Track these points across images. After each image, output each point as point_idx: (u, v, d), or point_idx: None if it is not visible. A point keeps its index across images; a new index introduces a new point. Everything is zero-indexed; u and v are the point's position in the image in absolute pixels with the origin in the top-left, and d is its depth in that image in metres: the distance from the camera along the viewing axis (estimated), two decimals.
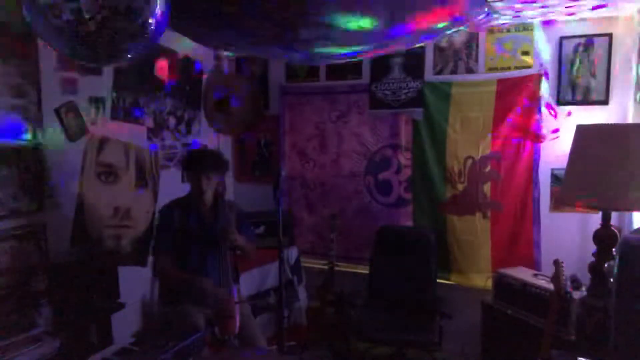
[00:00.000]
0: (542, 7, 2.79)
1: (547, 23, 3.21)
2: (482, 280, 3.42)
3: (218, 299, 2.49)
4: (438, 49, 3.53)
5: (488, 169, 3.43)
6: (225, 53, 4.05)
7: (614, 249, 2.22)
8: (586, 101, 3.16)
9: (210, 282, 2.55)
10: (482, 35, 3.40)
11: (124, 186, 3.11)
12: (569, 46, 3.18)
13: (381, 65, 3.71)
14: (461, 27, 2.82)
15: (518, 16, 3.05)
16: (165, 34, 1.89)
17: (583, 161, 2.24)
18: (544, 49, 3.24)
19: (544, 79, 3.22)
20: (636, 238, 1.98)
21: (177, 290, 2.64)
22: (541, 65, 3.24)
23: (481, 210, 3.45)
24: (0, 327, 2.28)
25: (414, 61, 3.61)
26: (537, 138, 3.26)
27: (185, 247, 2.66)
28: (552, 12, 2.97)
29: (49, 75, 2.57)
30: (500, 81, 3.33)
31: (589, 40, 3.12)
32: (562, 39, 3.19)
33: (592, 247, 2.31)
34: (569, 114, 3.19)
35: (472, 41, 3.43)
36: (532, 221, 3.31)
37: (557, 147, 3.18)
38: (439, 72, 3.56)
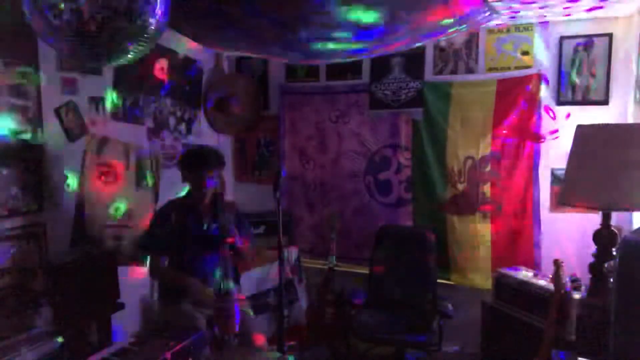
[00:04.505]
0: (542, 7, 2.79)
1: (546, 23, 3.21)
2: (482, 280, 3.43)
3: (207, 298, 2.50)
4: (438, 49, 3.54)
5: (488, 169, 3.43)
6: (225, 53, 4.05)
7: (614, 249, 2.21)
8: (586, 101, 3.16)
9: (199, 282, 2.55)
10: (482, 35, 3.40)
11: (124, 186, 3.11)
12: (569, 46, 3.18)
13: (381, 65, 3.71)
14: (462, 27, 2.82)
15: (515, 17, 3.04)
16: (165, 34, 1.89)
17: (583, 161, 2.23)
18: (544, 50, 3.24)
19: (543, 82, 3.22)
20: (636, 238, 1.97)
21: (173, 289, 2.66)
22: (541, 66, 3.24)
23: (481, 210, 3.45)
24: (0, 327, 2.28)
25: (414, 61, 3.61)
26: (537, 138, 3.26)
27: (184, 247, 2.66)
28: (551, 13, 2.97)
29: (49, 75, 2.57)
30: (500, 81, 3.34)
31: (589, 40, 3.12)
32: (562, 39, 3.19)
33: (592, 247, 2.31)
34: (568, 116, 3.19)
35: (472, 41, 3.43)
36: (532, 221, 3.32)
37: (557, 147, 3.18)
38: (439, 72, 3.56)
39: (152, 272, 2.78)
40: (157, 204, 3.27)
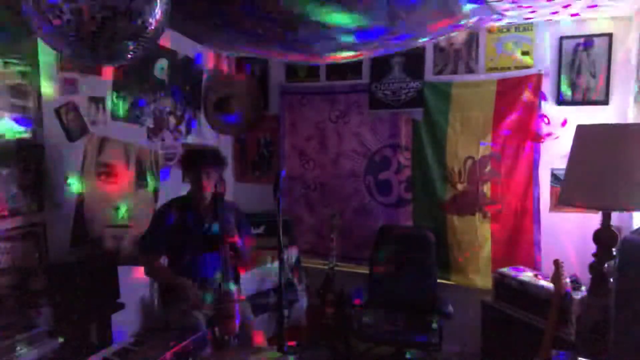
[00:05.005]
0: (543, 7, 2.78)
1: (546, 23, 3.21)
2: (482, 280, 3.43)
3: (200, 300, 2.52)
4: (438, 49, 3.53)
5: (488, 169, 3.43)
6: (225, 53, 4.05)
7: (614, 249, 2.21)
8: (586, 101, 3.16)
9: (191, 283, 2.56)
10: (482, 35, 3.40)
11: (124, 186, 3.11)
12: (569, 46, 3.18)
13: (381, 65, 3.71)
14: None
15: (519, 14, 3.04)
16: (165, 34, 1.89)
17: (583, 161, 2.23)
18: (544, 49, 3.24)
19: (544, 80, 3.22)
20: (636, 238, 1.98)
21: (169, 289, 2.66)
22: (541, 66, 3.24)
23: (481, 210, 3.45)
24: (0, 327, 2.28)
25: (414, 61, 3.61)
26: (537, 138, 3.26)
27: (184, 247, 2.66)
28: (554, 13, 2.96)
29: (49, 75, 2.57)
30: (500, 81, 3.34)
31: (589, 40, 3.12)
32: (562, 39, 3.19)
33: (592, 247, 2.30)
34: (564, 123, 3.17)
35: (472, 41, 3.43)
36: (532, 221, 3.32)
37: (557, 147, 3.18)
38: (439, 72, 3.56)
39: (149, 272, 2.78)
40: (157, 204, 3.27)
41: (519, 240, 3.37)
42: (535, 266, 3.25)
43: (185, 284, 2.55)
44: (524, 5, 2.74)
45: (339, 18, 2.32)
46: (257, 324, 2.88)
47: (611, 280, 2.13)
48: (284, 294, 2.48)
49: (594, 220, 2.37)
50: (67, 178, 2.71)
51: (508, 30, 3.33)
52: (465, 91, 3.44)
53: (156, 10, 1.71)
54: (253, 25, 2.41)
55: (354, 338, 3.33)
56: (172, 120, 3.58)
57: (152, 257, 2.73)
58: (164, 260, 2.81)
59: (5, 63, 2.33)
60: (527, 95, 3.25)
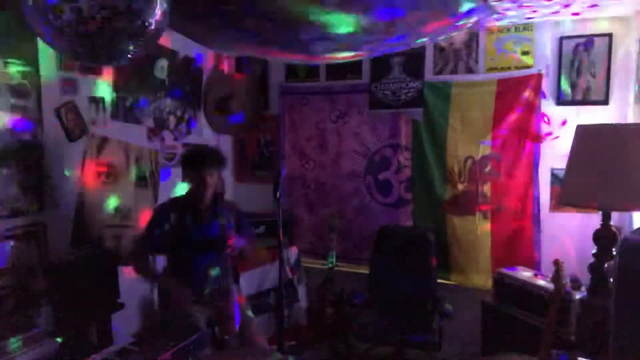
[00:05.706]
0: (544, 7, 2.78)
1: (547, 23, 3.21)
2: (482, 280, 3.43)
3: (190, 301, 2.52)
4: (438, 49, 3.54)
5: (488, 169, 3.43)
6: (225, 53, 4.05)
7: (614, 249, 2.21)
8: (586, 101, 3.16)
9: (175, 283, 2.57)
10: (482, 35, 3.40)
11: (124, 186, 3.11)
12: (569, 46, 3.18)
13: (381, 65, 3.71)
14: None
15: (519, 14, 3.04)
16: (165, 34, 1.89)
17: (583, 161, 2.23)
18: (544, 49, 3.24)
19: (544, 79, 3.22)
20: (636, 238, 1.97)
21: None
22: (541, 66, 3.24)
23: (481, 211, 3.45)
24: (0, 327, 2.28)
25: (414, 61, 3.61)
26: (537, 138, 3.26)
27: (183, 247, 2.66)
28: (555, 12, 2.96)
29: (49, 75, 2.57)
30: (500, 81, 3.34)
31: (589, 40, 3.12)
32: (562, 39, 3.19)
33: (592, 247, 2.31)
34: (564, 123, 3.18)
35: (472, 41, 3.43)
36: (532, 221, 3.32)
37: (557, 147, 3.18)
38: (439, 72, 3.56)
39: (139, 271, 2.74)
40: (157, 204, 3.27)
41: (519, 240, 3.37)
42: (535, 266, 3.25)
43: (173, 285, 2.54)
44: (525, 4, 2.74)
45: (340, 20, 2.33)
46: (257, 324, 2.88)
47: (611, 280, 2.13)
48: (284, 294, 2.49)
49: (594, 220, 2.38)
50: (67, 178, 2.71)
51: (508, 30, 3.33)
52: (465, 91, 3.44)
53: (156, 10, 1.71)
54: (253, 25, 2.41)
55: (354, 338, 3.33)
56: (172, 120, 3.58)
57: (142, 257, 2.72)
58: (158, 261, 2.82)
59: (6, 63, 2.34)
60: (527, 95, 3.25)
